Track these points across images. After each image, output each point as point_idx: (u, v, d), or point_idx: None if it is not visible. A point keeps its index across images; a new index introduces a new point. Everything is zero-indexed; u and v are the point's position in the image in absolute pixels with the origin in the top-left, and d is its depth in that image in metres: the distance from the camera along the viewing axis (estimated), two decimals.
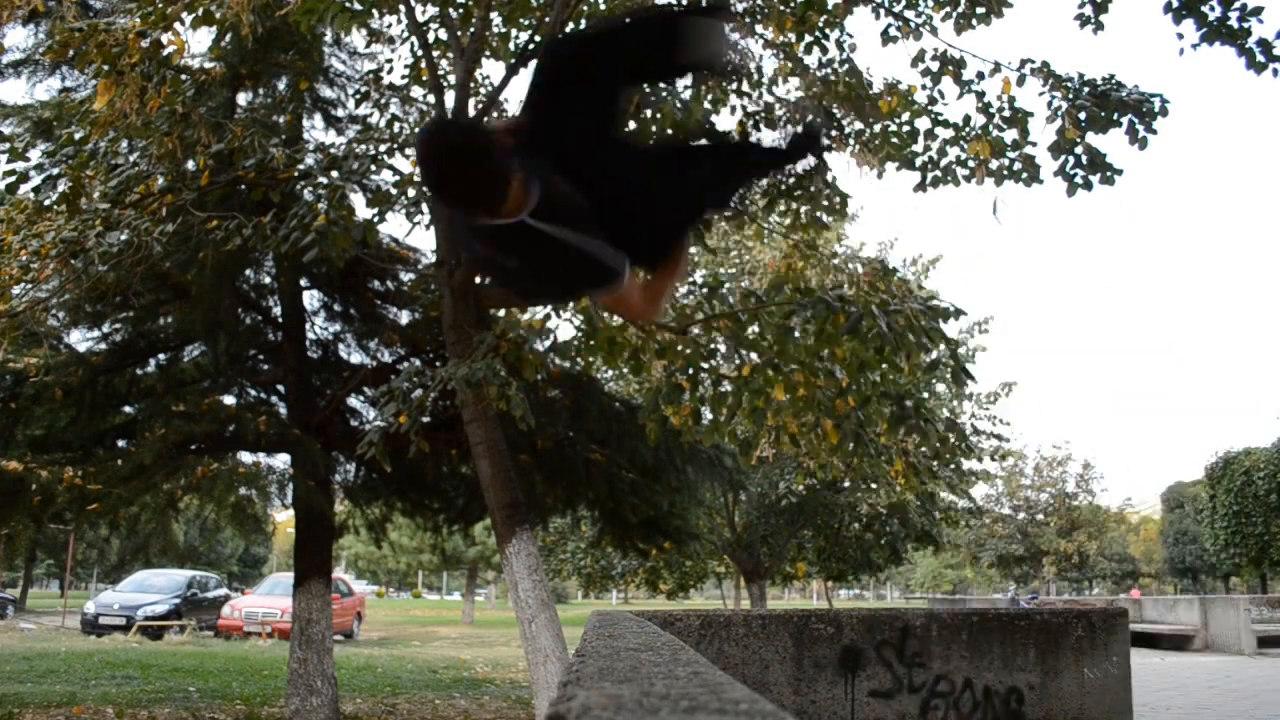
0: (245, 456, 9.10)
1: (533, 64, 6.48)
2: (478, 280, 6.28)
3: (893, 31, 7.07)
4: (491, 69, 8.16)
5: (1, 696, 9.45)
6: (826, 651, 5.31)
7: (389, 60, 8.02)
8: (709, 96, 7.56)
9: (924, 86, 7.14)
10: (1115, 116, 6.31)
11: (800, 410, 6.20)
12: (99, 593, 27.58)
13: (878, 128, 7.46)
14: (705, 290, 6.57)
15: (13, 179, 6.03)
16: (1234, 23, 5.98)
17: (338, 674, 8.58)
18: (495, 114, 7.78)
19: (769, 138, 2.43)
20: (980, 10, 6.78)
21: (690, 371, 6.31)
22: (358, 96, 8.21)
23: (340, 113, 8.79)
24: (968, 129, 7.09)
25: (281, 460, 9.11)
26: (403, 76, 7.77)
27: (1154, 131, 6.29)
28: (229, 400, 8.85)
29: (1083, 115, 6.34)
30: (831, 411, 6.11)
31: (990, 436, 18.08)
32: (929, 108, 7.22)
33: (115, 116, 5.50)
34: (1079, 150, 6.48)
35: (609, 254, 1.93)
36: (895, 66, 15.45)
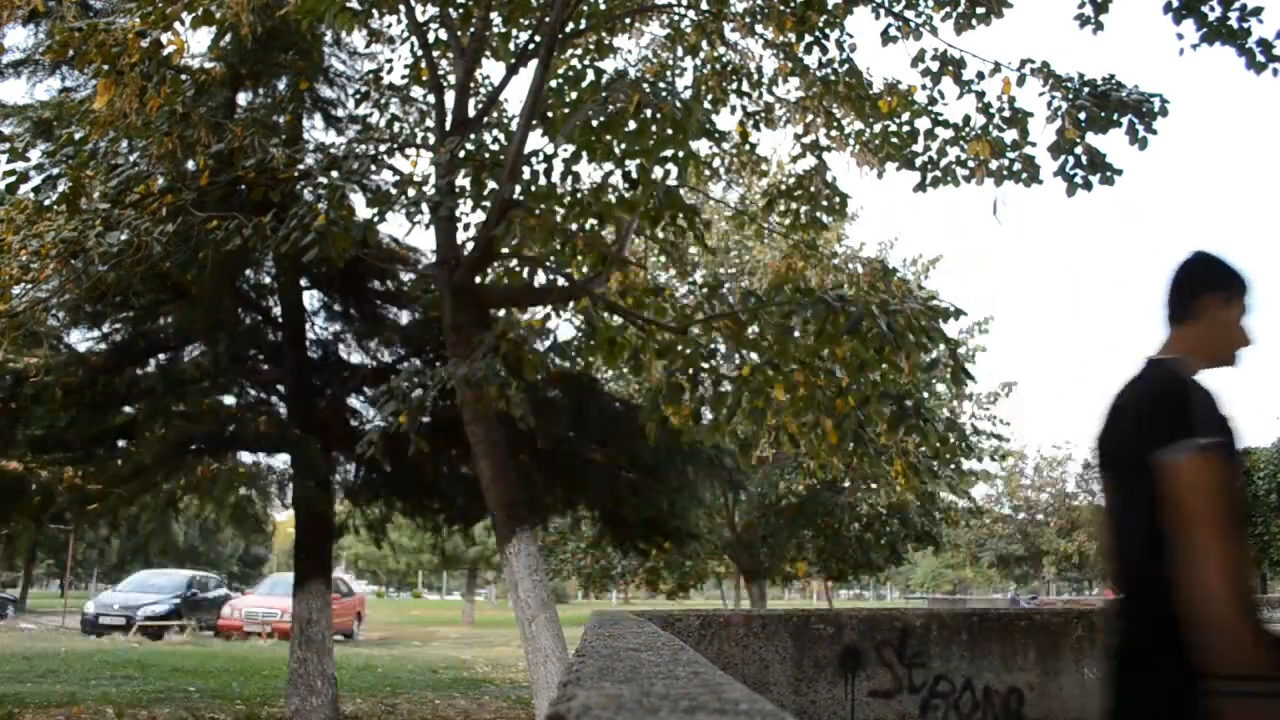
0: (245, 456, 9.10)
1: (533, 64, 6.50)
2: (476, 280, 6.29)
3: (893, 31, 7.07)
4: (491, 69, 8.15)
5: (1, 696, 9.45)
6: (826, 651, 5.31)
7: (389, 60, 8.01)
8: (709, 96, 7.56)
9: (924, 86, 7.14)
10: (1115, 116, 6.31)
11: (800, 410, 6.19)
12: (99, 593, 27.59)
13: (878, 128, 7.46)
14: (705, 290, 6.57)
15: (13, 179, 6.02)
16: (1234, 23, 5.98)
17: (338, 674, 8.58)
18: (495, 114, 7.78)
19: None
20: (980, 10, 6.78)
21: (690, 371, 6.29)
22: (358, 96, 8.20)
23: (340, 113, 8.77)
24: (968, 129, 7.09)
25: (281, 460, 9.11)
26: (403, 76, 7.77)
27: (1154, 131, 6.28)
28: (229, 400, 8.85)
29: (1083, 115, 6.34)
30: (831, 411, 6.10)
31: (990, 436, 18.08)
32: (929, 108, 7.21)
33: (115, 116, 5.50)
34: (1079, 150, 6.47)
35: None
36: (895, 66, 15.42)
